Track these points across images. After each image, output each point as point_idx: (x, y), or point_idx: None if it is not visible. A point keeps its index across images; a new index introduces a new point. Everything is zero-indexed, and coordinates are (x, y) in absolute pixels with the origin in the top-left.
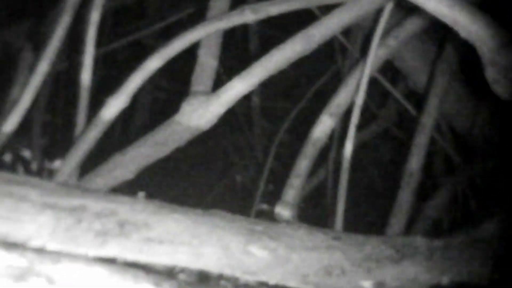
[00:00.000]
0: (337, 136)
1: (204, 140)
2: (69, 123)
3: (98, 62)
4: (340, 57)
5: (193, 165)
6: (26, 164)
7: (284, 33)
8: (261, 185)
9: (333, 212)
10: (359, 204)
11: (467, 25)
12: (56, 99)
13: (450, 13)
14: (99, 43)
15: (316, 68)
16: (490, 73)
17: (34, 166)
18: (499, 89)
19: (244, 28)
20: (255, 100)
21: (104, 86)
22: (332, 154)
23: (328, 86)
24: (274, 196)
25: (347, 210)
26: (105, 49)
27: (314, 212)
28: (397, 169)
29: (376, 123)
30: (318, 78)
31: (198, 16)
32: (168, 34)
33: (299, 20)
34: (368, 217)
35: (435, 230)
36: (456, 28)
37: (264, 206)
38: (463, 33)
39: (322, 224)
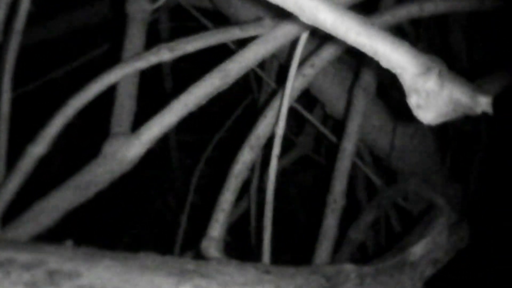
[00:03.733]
0: (258, 166)
1: (121, 177)
2: None
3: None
4: (255, 87)
5: (110, 203)
6: None
7: (197, 66)
8: (183, 220)
9: (257, 244)
10: (282, 233)
11: (387, 54)
12: None
13: (370, 44)
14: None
15: (231, 99)
16: (413, 100)
17: None
18: (422, 115)
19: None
20: (171, 134)
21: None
22: (253, 185)
23: (245, 116)
24: (197, 230)
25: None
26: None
27: (238, 245)
28: (318, 195)
29: (294, 150)
30: (233, 109)
31: (110, 54)
32: (78, 76)
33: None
34: (292, 245)
35: (360, 254)
36: (376, 57)
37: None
38: (383, 63)
39: (247, 257)
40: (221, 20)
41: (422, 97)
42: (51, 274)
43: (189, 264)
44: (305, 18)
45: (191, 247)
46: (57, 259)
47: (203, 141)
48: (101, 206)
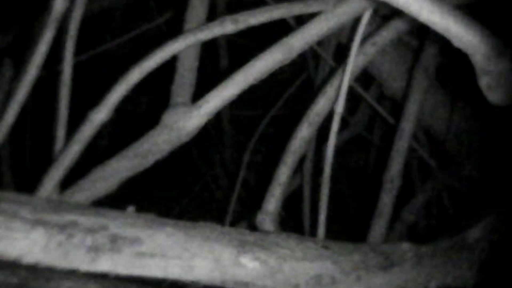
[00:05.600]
0: (312, 143)
1: (172, 151)
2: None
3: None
4: (311, 64)
5: (160, 176)
6: None
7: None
8: (235, 194)
9: (310, 220)
10: (330, 212)
11: (460, 34)
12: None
13: (442, 23)
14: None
15: (285, 75)
16: (484, 81)
17: None
18: (492, 96)
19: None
20: (225, 108)
21: (76, 98)
22: (307, 162)
23: (299, 93)
24: (246, 205)
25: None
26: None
27: (289, 220)
28: (365, 173)
29: (348, 129)
30: (287, 85)
31: (167, 26)
32: (135, 45)
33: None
34: (340, 224)
35: (411, 234)
36: (448, 36)
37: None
38: (455, 42)
39: (298, 231)
40: None
41: (493, 78)
42: (113, 239)
43: (249, 236)
44: None
45: (239, 222)
46: (120, 224)
47: (253, 117)
48: (150, 177)
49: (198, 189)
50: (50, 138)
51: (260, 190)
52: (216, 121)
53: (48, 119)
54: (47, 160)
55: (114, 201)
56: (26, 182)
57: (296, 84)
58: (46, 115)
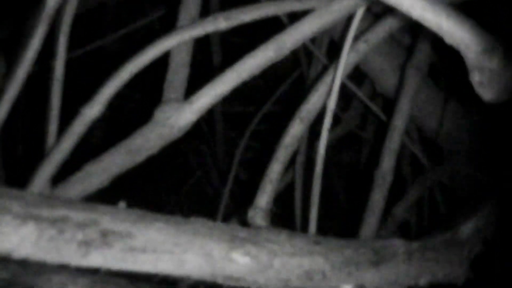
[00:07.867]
0: (304, 140)
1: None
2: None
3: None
4: (304, 61)
5: (151, 173)
6: None
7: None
8: (226, 190)
9: (302, 216)
10: (321, 208)
11: (452, 30)
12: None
13: (434, 19)
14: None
15: (278, 71)
16: (476, 78)
17: None
18: (484, 93)
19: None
20: (217, 105)
21: (69, 95)
22: (299, 158)
23: (292, 89)
24: (237, 201)
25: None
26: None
27: (281, 216)
28: (357, 170)
29: (341, 126)
30: (279, 82)
31: (159, 23)
32: (128, 42)
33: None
34: (330, 218)
35: (401, 231)
36: (440, 33)
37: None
38: (447, 39)
39: (290, 227)
40: None
41: (485, 75)
42: (104, 234)
43: (240, 231)
44: None
45: (230, 218)
46: (111, 219)
47: (245, 113)
48: (141, 173)
49: (189, 185)
50: (42, 134)
51: (252, 186)
52: (208, 117)
53: (40, 115)
54: (38, 156)
55: (104, 196)
56: (18, 178)
57: (289, 81)
58: (38, 111)
